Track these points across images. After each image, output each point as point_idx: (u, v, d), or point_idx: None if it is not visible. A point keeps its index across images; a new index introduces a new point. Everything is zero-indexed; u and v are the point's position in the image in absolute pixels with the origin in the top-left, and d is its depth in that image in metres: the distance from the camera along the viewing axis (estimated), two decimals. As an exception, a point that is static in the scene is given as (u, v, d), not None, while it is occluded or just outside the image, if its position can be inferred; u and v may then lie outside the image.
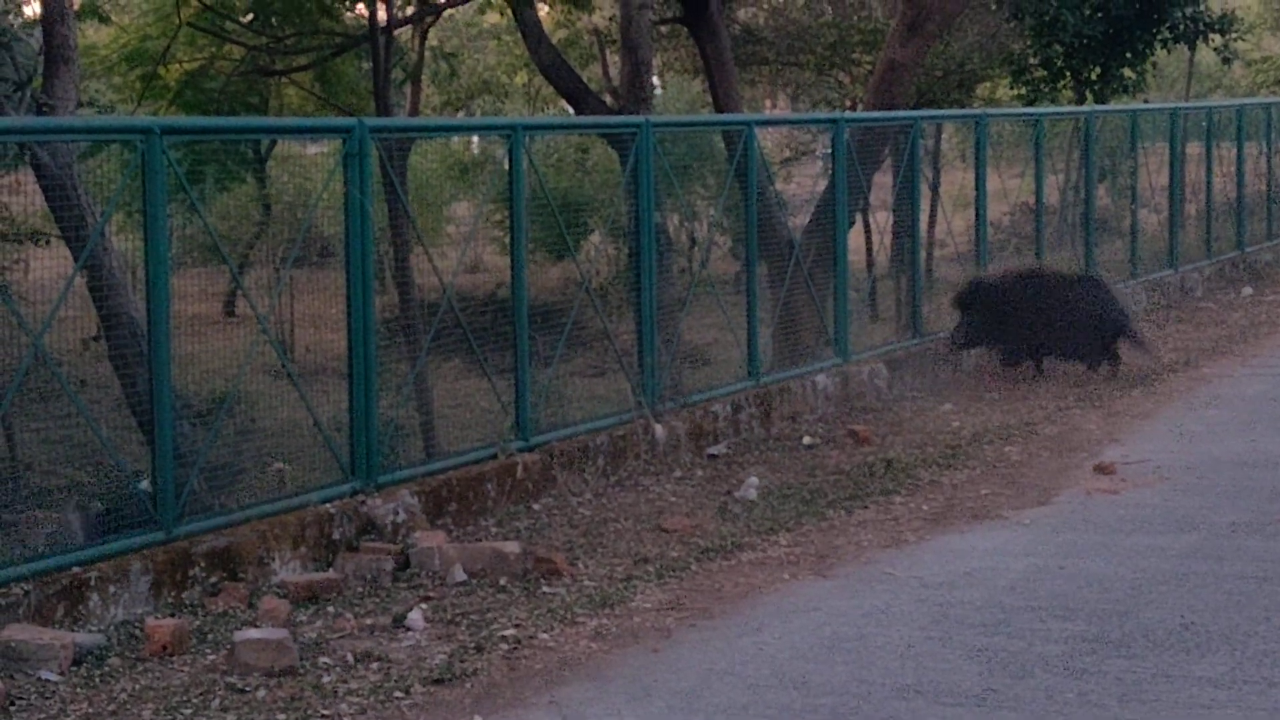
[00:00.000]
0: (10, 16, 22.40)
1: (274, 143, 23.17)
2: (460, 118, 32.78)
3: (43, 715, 9.00)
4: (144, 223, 10.99)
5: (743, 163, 16.61)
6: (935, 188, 21.55)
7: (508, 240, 14.62)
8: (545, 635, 10.36)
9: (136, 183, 11.05)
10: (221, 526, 11.24)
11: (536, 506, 13.39)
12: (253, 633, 9.88)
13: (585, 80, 23.45)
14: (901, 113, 20.29)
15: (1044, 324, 18.94)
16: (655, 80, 24.35)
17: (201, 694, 9.30)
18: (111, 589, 10.35)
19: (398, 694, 9.37)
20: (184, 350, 12.53)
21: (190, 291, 15.14)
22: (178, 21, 22.45)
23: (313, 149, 26.51)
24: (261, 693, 9.34)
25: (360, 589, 11.28)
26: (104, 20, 23.64)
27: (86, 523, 11.34)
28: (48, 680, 9.41)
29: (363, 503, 12.10)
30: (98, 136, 12.55)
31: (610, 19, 26.85)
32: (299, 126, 15.58)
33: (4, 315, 11.31)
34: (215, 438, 11.97)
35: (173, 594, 10.70)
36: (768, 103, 33.62)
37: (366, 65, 23.76)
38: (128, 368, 13.28)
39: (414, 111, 25.70)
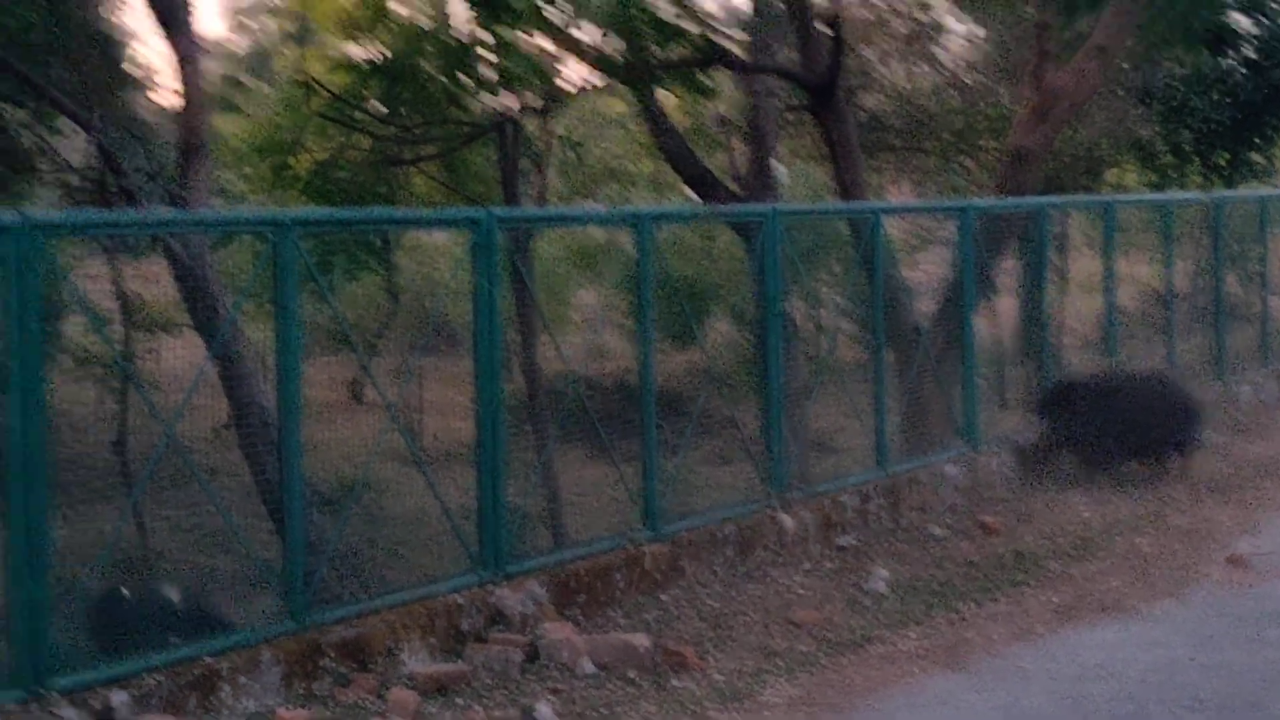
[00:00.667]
0: (144, 108, 22.76)
1: (400, 235, 23.40)
2: (586, 205, 32.91)
3: (171, 806, 9.03)
4: (276, 313, 11.07)
5: (870, 250, 16.53)
6: (1063, 274, 21.35)
7: (633, 326, 14.61)
8: (674, 730, 10.29)
9: (268, 273, 11.13)
10: (351, 616, 11.24)
11: (665, 598, 13.30)
12: (379, 726, 9.88)
13: (710, 166, 23.48)
14: (1029, 199, 20.14)
15: (1121, 425, 18.31)
16: (780, 166, 24.30)
17: (330, 785, 9.31)
18: (242, 679, 10.36)
19: (521, 787, 9.33)
20: (312, 437, 12.60)
21: (318, 378, 15.25)
22: (308, 112, 22.73)
23: (439, 236, 26.74)
24: (385, 786, 9.32)
25: (489, 680, 11.23)
26: (236, 111, 23.98)
27: (217, 611, 11.38)
28: (178, 771, 9.46)
29: (491, 593, 12.06)
30: (232, 229, 12.69)
31: (736, 107, 26.86)
32: (428, 218, 15.65)
33: (138, 403, 11.42)
34: (345, 526, 11.99)
35: (303, 684, 10.70)
36: (892, 188, 33.51)
37: (493, 153, 23.91)
38: (258, 456, 13.41)
39: (541, 199, 25.85)
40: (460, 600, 11.83)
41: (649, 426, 13.76)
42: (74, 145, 22.85)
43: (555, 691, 11.01)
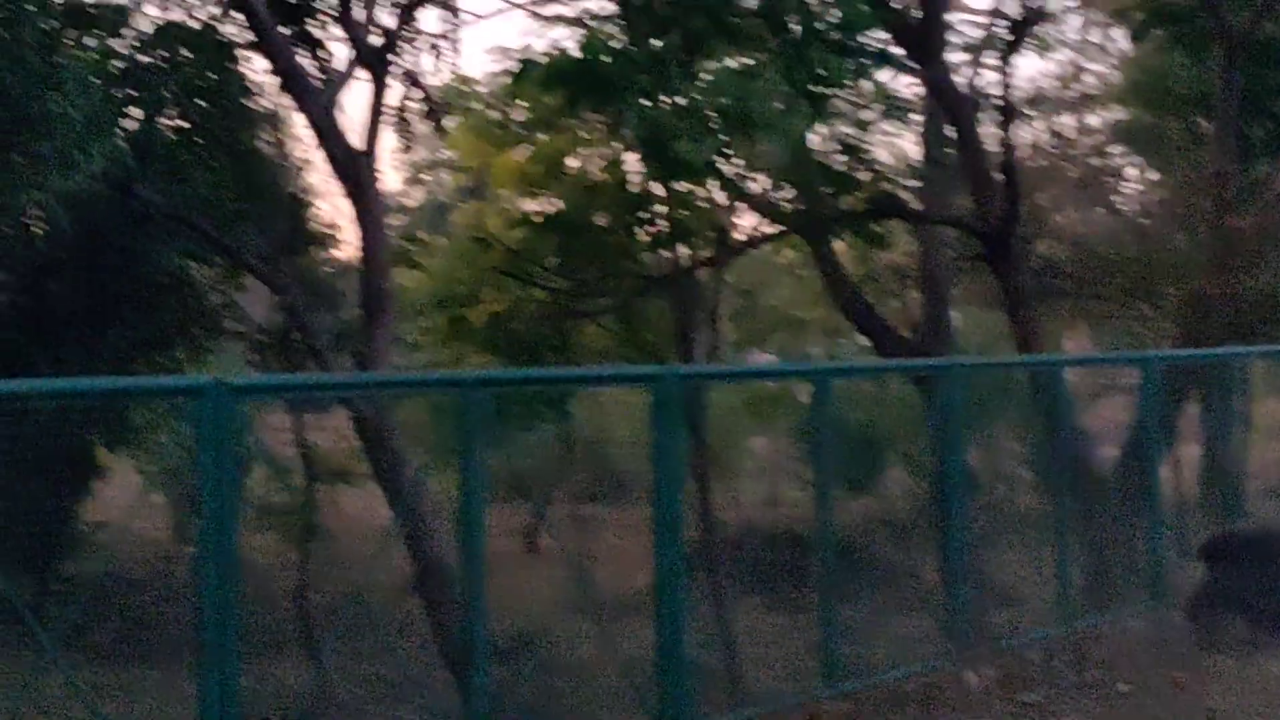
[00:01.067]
0: (328, 269, 23.24)
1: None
2: (759, 355, 33.01)
3: None
4: (461, 470, 11.18)
5: (1049, 400, 16.37)
6: (1246, 420, 21.00)
7: (808, 475, 14.55)
8: None
9: (450, 429, 11.25)
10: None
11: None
12: None
13: (884, 314, 23.47)
14: (1213, 350, 19.87)
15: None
16: (954, 314, 24.27)
17: None
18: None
19: None
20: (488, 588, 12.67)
21: (492, 528, 15.32)
22: (484, 266, 23.07)
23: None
24: None
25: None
26: (415, 267, 24.39)
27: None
28: None
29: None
30: (419, 390, 12.88)
31: (908, 254, 26.89)
32: (610, 376, 15.78)
33: (318, 552, 11.58)
34: (523, 678, 12.02)
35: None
36: (1069, 334, 33.30)
37: (666, 303, 24.09)
38: (437, 607, 13.49)
39: (713, 348, 25.95)
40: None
41: (828, 577, 13.66)
42: (256, 298, 23.38)
43: None
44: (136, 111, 17.97)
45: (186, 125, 18.90)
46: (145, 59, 17.52)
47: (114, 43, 17.93)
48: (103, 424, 23.06)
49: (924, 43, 19.91)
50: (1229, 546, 17.20)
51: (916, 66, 20.25)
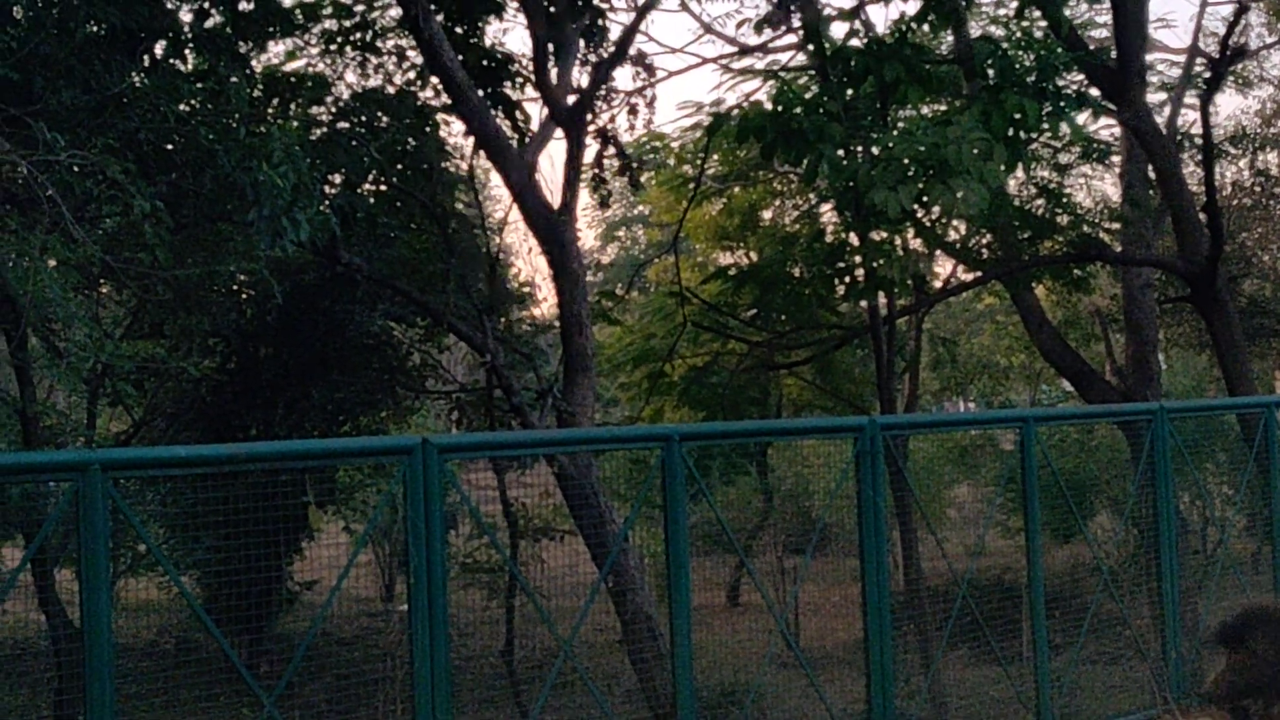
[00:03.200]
0: (528, 327, 23.46)
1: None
2: (957, 403, 32.80)
3: None
4: (666, 523, 11.25)
5: (1262, 442, 16.06)
6: None
7: (1014, 524, 14.41)
8: None
9: (654, 483, 11.32)
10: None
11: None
12: None
13: (1086, 358, 23.19)
14: None
15: None
16: (1159, 356, 23.93)
17: None
18: None
19: None
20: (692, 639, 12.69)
21: (695, 582, 15.35)
22: (682, 321, 23.18)
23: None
24: None
25: None
26: (613, 323, 24.56)
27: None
28: None
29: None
30: (622, 446, 13.00)
31: (1111, 298, 26.57)
32: (811, 427, 15.79)
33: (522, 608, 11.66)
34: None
35: None
36: (1278, 374, 32.67)
37: (862, 352, 24.01)
38: (645, 663, 13.53)
39: (912, 397, 25.79)
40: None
41: (1039, 627, 13.52)
42: (457, 358, 23.68)
43: None
44: (337, 178, 18.32)
45: (386, 189, 19.23)
46: (345, 125, 17.87)
47: (315, 110, 18.31)
48: (311, 484, 23.47)
49: (1121, 84, 19.71)
50: (1250, 626, 15.29)
51: (1114, 108, 20.04)
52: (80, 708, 11.34)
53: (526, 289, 24.59)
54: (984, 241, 21.63)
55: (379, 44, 19.00)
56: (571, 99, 16.98)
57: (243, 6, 15.06)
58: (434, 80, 18.01)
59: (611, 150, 19.58)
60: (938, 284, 24.67)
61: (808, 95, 17.17)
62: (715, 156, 24.27)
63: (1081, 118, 19.90)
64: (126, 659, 14.37)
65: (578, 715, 13.96)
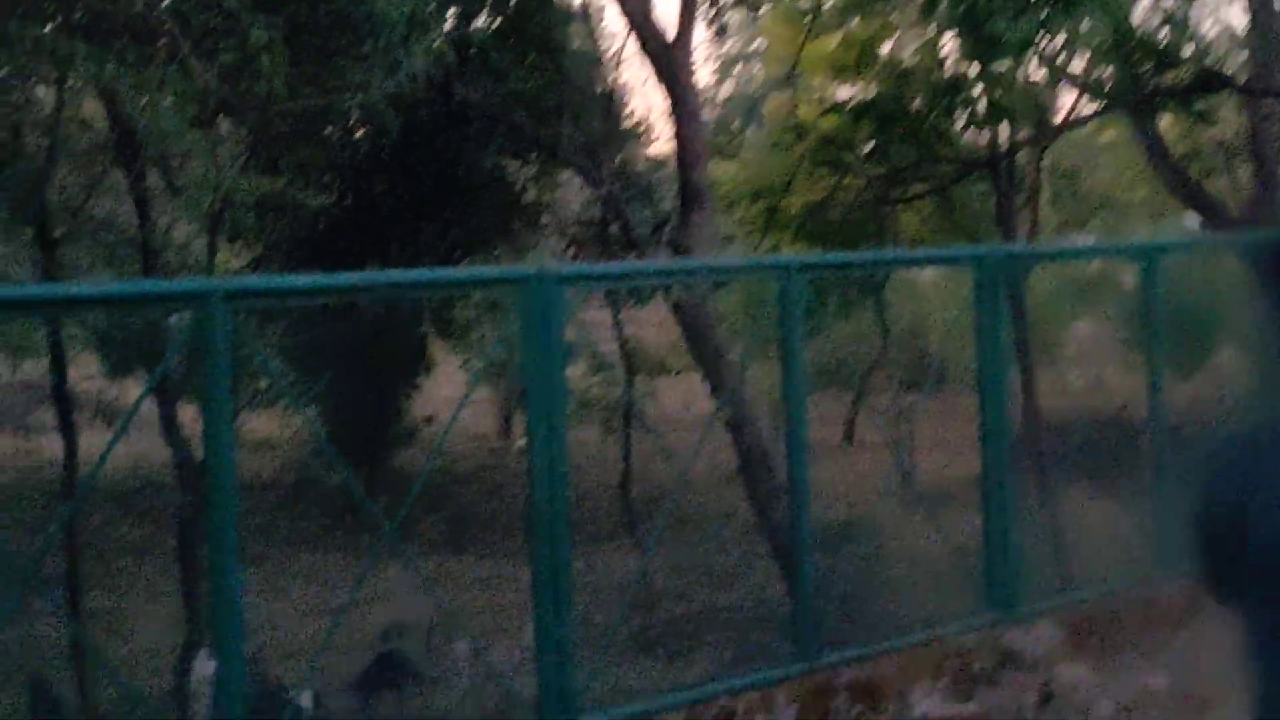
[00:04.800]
0: (643, 163, 23.34)
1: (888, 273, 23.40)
2: (1080, 236, 32.36)
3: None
4: (782, 355, 11.17)
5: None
6: None
7: (1132, 359, 14.23)
8: (1199, 777, 9.94)
9: (772, 316, 11.23)
10: (860, 658, 11.21)
11: (1184, 637, 12.87)
12: (897, 767, 9.82)
13: (1210, 191, 22.80)
14: None
15: None
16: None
17: (849, 827, 9.27)
18: (759, 718, 10.46)
19: (1049, 833, 9.13)
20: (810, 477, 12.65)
21: (810, 418, 15.29)
22: (798, 156, 22.97)
23: (928, 272, 26.58)
24: (905, 828, 9.24)
25: (1003, 723, 11.08)
26: (729, 159, 24.39)
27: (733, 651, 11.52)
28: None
29: (1001, 634, 11.88)
30: (740, 275, 12.93)
31: (1235, 131, 26.01)
32: (930, 257, 15.66)
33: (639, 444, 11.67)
34: (850, 566, 12.00)
35: (819, 724, 10.75)
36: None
37: (984, 187, 23.71)
38: (761, 497, 13.54)
39: (1033, 232, 25.49)
40: (969, 642, 11.70)
41: (1160, 460, 13.38)
42: (571, 194, 23.61)
43: (1071, 736, 10.80)
44: (452, 11, 18.22)
45: (501, 23, 19.11)
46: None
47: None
48: (429, 320, 23.60)
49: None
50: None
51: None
52: (202, 542, 11.54)
53: (641, 127, 24.36)
54: (1106, 73, 21.22)
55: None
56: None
57: None
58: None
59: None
60: (1059, 117, 24.22)
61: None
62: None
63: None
64: (247, 494, 14.54)
65: (694, 549, 14.05)
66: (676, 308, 13.97)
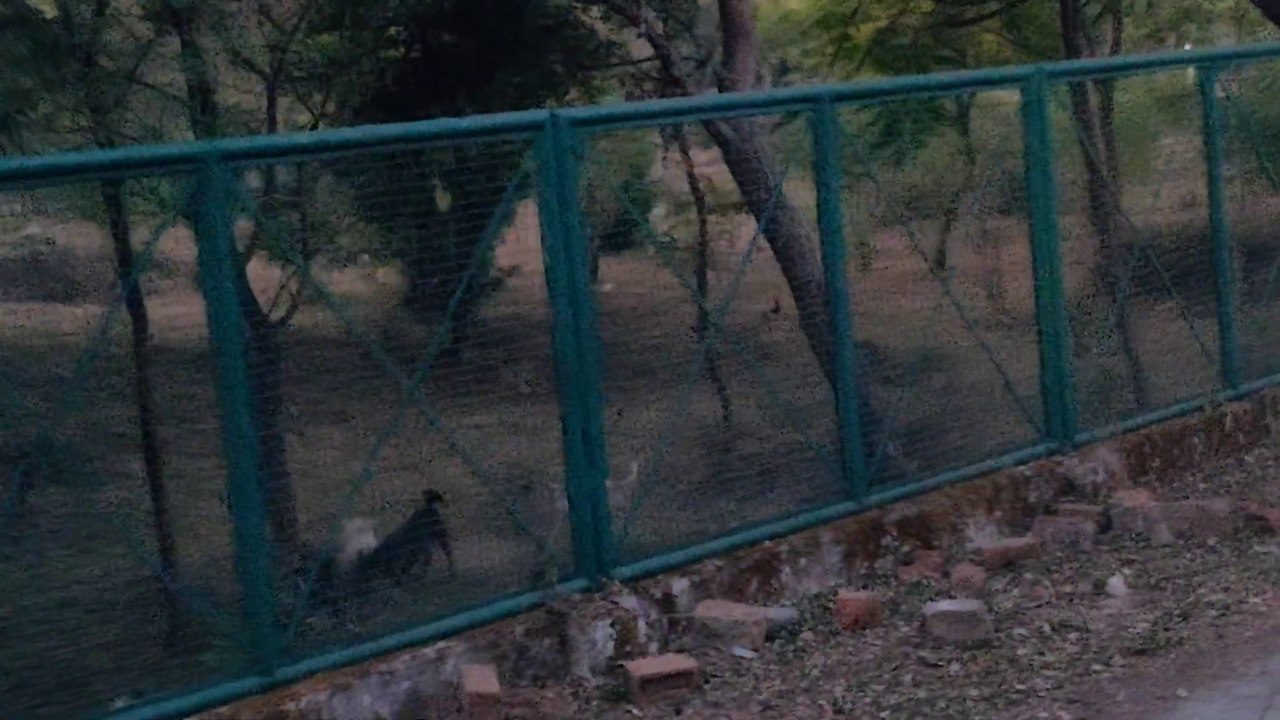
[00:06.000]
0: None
1: (973, 94, 22.81)
2: (1160, 49, 31.49)
3: (736, 693, 8.96)
4: (816, 186, 10.88)
5: None
6: None
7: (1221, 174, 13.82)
8: (1256, 599, 9.66)
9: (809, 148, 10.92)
10: (912, 494, 10.98)
11: (1248, 459, 12.55)
12: (944, 605, 9.60)
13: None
14: None
15: None
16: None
17: (894, 668, 9.08)
18: (802, 562, 10.27)
19: (1096, 666, 8.89)
20: (879, 309, 12.41)
21: (896, 248, 14.93)
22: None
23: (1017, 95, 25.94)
24: (954, 667, 9.03)
25: (1059, 553, 10.81)
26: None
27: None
28: (741, 656, 9.40)
29: (1059, 463, 11.61)
30: (770, 109, 12.60)
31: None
32: (972, 80, 15.20)
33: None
34: (904, 400, 11.71)
35: (865, 564, 10.53)
36: None
37: (1055, 2, 23.03)
38: (818, 332, 13.19)
39: (1115, 47, 24.77)
40: (1027, 472, 11.44)
41: (1224, 279, 13.00)
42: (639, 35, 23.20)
43: (1128, 562, 10.54)
44: None
45: None
46: None
47: None
48: (504, 169, 23.35)
49: None
50: None
51: None
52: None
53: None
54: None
55: None
56: None
57: None
58: None
59: None
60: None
61: None
62: None
63: None
64: (330, 350, 14.47)
65: (770, 388, 13.67)
66: (720, 143, 13.62)
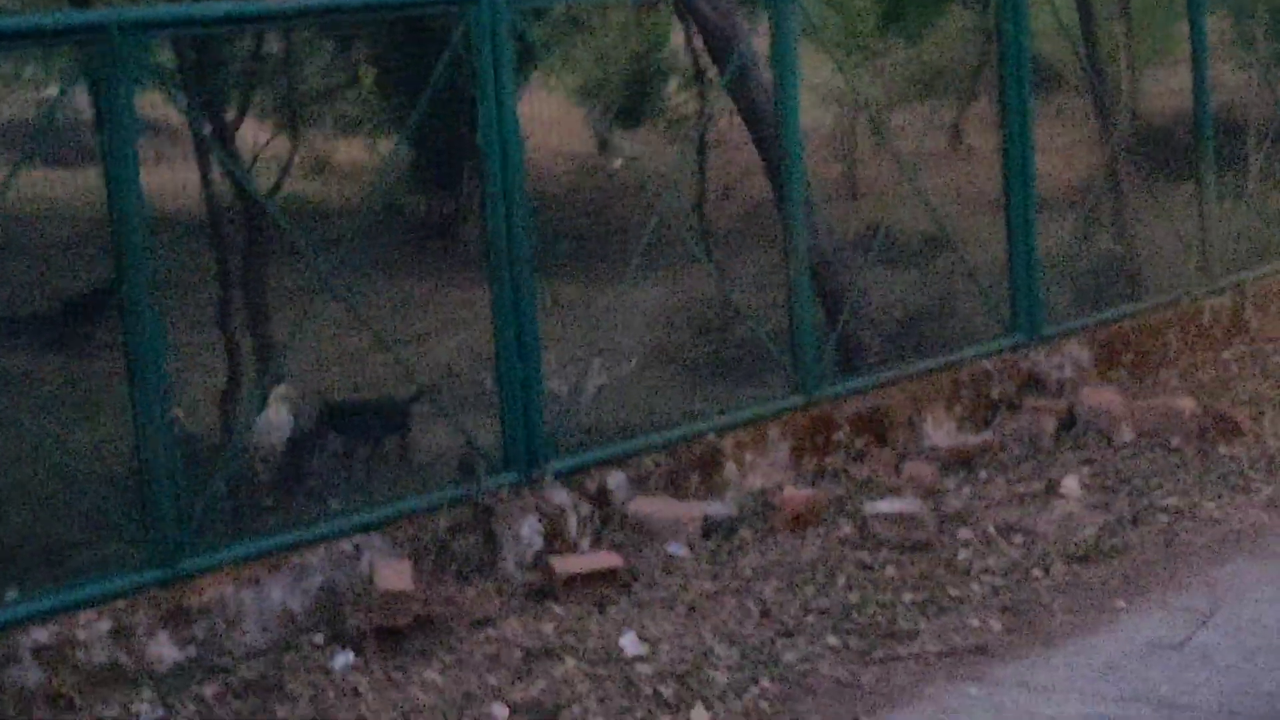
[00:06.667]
0: None
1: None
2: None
3: (664, 592, 8.65)
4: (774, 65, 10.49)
5: None
6: None
7: (1247, 57, 13.43)
8: (1211, 505, 9.34)
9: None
10: (868, 388, 10.61)
11: (1225, 356, 12.14)
12: (885, 505, 9.27)
13: None
14: None
15: None
16: None
17: (829, 570, 8.77)
18: (748, 457, 9.93)
19: (1036, 573, 8.58)
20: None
21: (915, 128, 14.46)
22: None
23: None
24: (891, 569, 8.72)
25: (1017, 452, 10.47)
26: None
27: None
28: (673, 555, 9.09)
29: (1025, 357, 11.22)
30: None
31: None
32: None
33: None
34: (893, 287, 11.35)
35: (814, 461, 10.18)
36: None
37: None
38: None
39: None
40: (990, 367, 11.05)
41: (1204, 167, 12.56)
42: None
43: (1088, 462, 10.21)
44: None
45: None
46: None
47: None
48: (509, 37, 22.81)
49: None
50: None
51: None
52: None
53: None
54: None
55: None
56: None
57: None
58: None
59: None
60: None
61: None
62: None
63: None
64: (340, 221, 14.07)
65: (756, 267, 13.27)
66: (700, 21, 13.08)
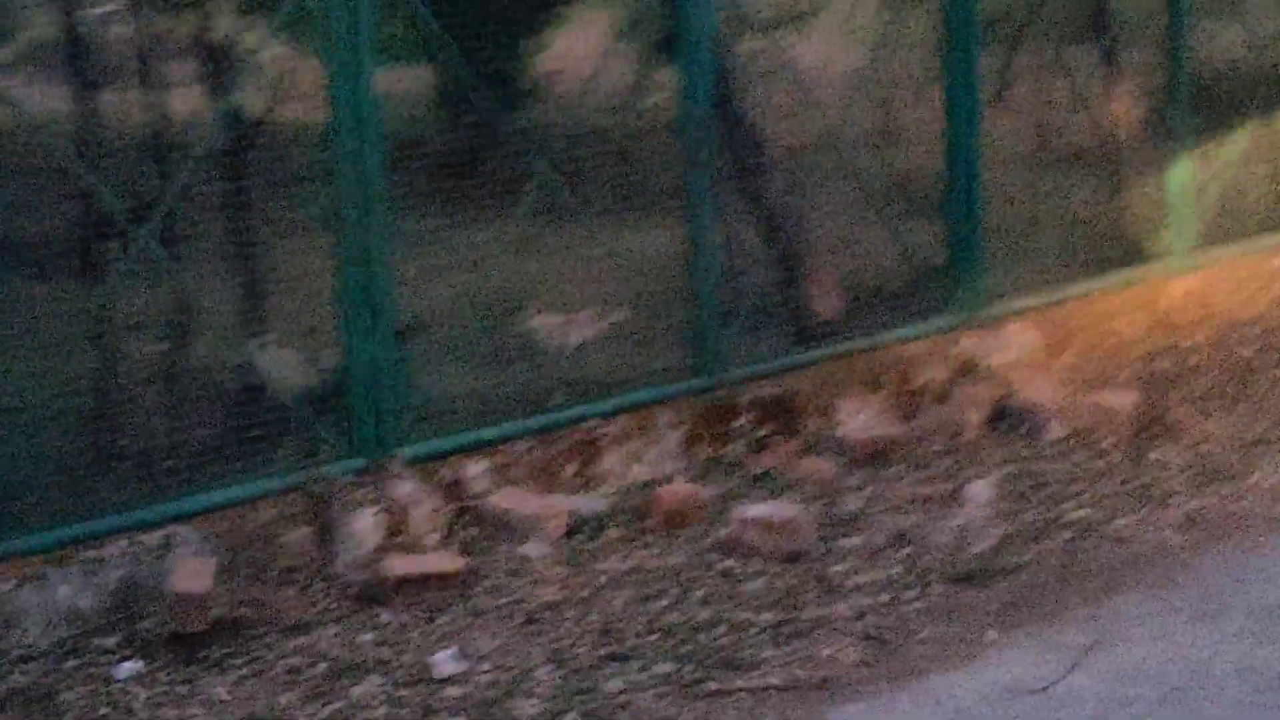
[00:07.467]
0: None
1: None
2: None
3: (505, 599, 7.84)
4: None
5: None
6: None
7: None
8: (1123, 521, 8.45)
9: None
10: (776, 371, 9.73)
11: (1187, 345, 11.18)
12: (757, 509, 8.42)
13: None
14: None
15: None
16: None
17: (689, 581, 7.95)
18: (634, 445, 9.09)
19: (910, 594, 7.73)
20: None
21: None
22: None
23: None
24: (755, 583, 7.90)
25: (936, 447, 9.60)
26: None
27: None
28: (526, 556, 8.28)
29: (960, 340, 10.30)
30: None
31: None
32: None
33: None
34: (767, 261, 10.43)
35: (710, 450, 9.32)
36: None
37: None
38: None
39: None
40: (917, 350, 10.14)
41: (1179, 129, 11.65)
42: None
43: (1009, 462, 9.33)
44: None
45: None
46: None
47: None
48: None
49: None
50: None
51: None
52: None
53: None
54: None
55: None
56: None
57: None
58: None
59: None
60: None
61: None
62: None
63: None
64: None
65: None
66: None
